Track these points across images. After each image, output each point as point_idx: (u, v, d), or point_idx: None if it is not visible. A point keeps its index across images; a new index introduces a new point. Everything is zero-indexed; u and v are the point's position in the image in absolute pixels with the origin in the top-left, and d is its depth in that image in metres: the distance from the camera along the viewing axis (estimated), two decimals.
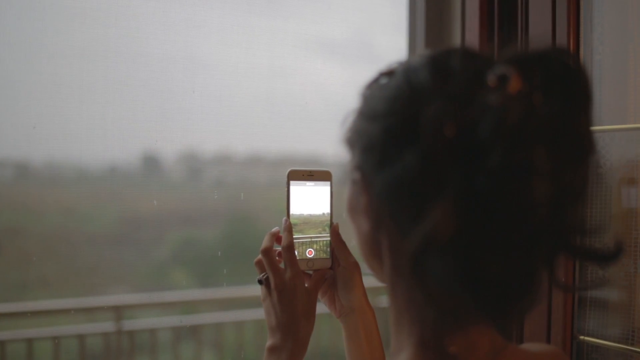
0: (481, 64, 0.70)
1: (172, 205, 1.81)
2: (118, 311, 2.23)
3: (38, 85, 1.47)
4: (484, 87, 0.65)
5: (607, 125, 1.45)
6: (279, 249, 1.12)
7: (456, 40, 1.77)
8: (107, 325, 2.22)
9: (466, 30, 1.71)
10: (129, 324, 2.26)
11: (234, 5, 1.71)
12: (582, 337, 1.47)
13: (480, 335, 0.74)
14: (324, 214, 1.17)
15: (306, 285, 1.12)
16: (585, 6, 1.46)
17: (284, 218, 1.14)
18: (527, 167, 0.62)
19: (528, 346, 0.84)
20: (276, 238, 1.14)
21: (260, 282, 1.12)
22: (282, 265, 1.11)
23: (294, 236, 1.12)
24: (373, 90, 0.76)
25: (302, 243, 1.14)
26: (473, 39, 1.67)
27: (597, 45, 1.46)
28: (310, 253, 1.15)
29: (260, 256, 1.11)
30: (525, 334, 1.54)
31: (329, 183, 1.19)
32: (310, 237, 1.15)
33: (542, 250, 0.66)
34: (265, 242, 1.12)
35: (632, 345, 1.39)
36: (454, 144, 0.63)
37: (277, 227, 1.15)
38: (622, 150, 1.43)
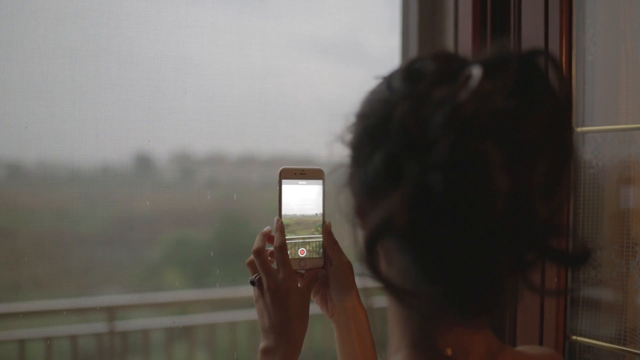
0: (453, 66, 0.70)
1: (164, 206, 1.80)
2: (110, 312, 2.22)
3: (29, 85, 1.46)
4: (448, 87, 0.66)
5: (599, 125, 1.45)
6: (271, 248, 1.11)
7: (449, 41, 1.77)
8: (100, 326, 2.22)
9: (459, 30, 1.71)
10: (121, 325, 2.25)
11: (226, 5, 1.71)
12: (574, 337, 1.47)
13: (472, 337, 0.74)
14: (316, 214, 1.16)
15: (299, 285, 1.11)
16: (578, 7, 1.46)
17: (276, 218, 1.13)
18: (475, 161, 0.62)
19: (525, 349, 0.84)
20: (268, 238, 1.13)
21: (252, 283, 1.11)
22: (274, 266, 1.10)
23: (286, 237, 1.11)
24: (367, 93, 0.77)
25: (295, 244, 1.13)
26: (466, 38, 1.67)
27: (589, 46, 1.46)
28: (302, 252, 1.14)
29: (252, 257, 1.11)
30: (518, 334, 1.54)
31: (321, 182, 1.18)
32: (303, 238, 1.15)
33: (504, 248, 0.65)
34: (257, 243, 1.11)
35: (624, 345, 1.39)
36: (412, 140, 0.65)
37: (268, 227, 1.14)
38: (614, 150, 1.43)
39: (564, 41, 1.45)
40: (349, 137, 0.76)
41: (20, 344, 2.07)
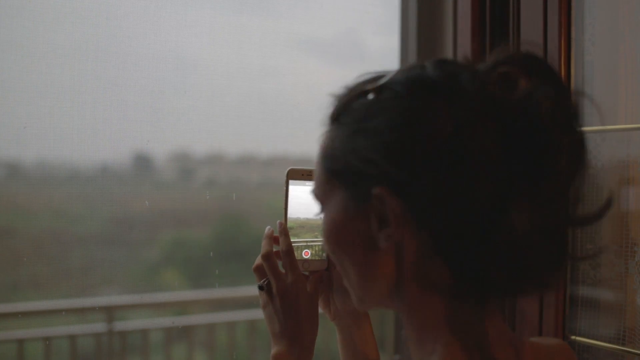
0: (475, 67, 0.77)
1: (163, 206, 1.80)
2: (109, 312, 2.22)
3: (28, 85, 1.46)
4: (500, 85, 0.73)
5: (598, 125, 1.45)
6: (276, 249, 1.10)
7: (448, 41, 1.77)
8: (99, 326, 2.22)
9: (458, 30, 1.71)
10: (120, 325, 2.25)
11: (225, 5, 1.71)
12: (573, 337, 1.47)
13: (502, 328, 0.79)
14: (321, 217, 1.15)
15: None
16: (577, 7, 1.46)
17: (279, 222, 1.11)
18: (559, 150, 0.72)
19: (538, 340, 0.88)
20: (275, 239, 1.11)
21: (261, 288, 1.08)
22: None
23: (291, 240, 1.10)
24: (366, 106, 0.78)
25: (298, 247, 1.12)
26: (465, 38, 1.67)
27: (588, 46, 1.46)
28: (306, 254, 1.13)
29: (259, 261, 1.08)
30: (517, 334, 1.54)
31: None
32: (306, 242, 1.13)
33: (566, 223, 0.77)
34: (265, 247, 1.09)
35: (623, 345, 1.39)
36: (491, 142, 0.70)
37: (270, 228, 1.12)
38: (614, 150, 1.43)
39: (562, 41, 1.45)
40: (377, 153, 0.75)
41: (20, 344, 2.07)
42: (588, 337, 1.45)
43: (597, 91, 1.46)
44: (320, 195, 0.84)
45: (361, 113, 0.78)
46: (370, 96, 0.78)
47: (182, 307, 2.49)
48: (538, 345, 0.86)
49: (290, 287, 1.06)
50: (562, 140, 0.72)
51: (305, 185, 1.13)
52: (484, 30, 1.64)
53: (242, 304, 3.01)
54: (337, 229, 0.81)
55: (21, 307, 1.90)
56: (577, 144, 0.73)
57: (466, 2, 1.66)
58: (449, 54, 1.77)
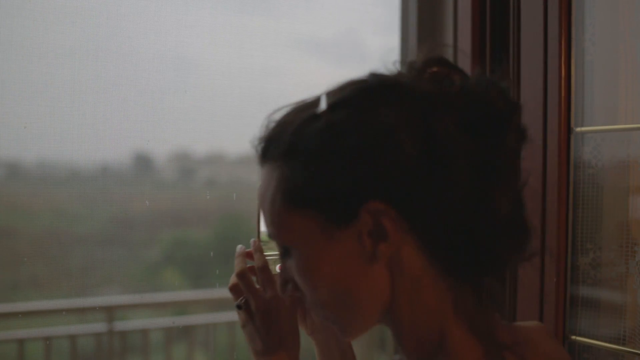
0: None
1: (164, 206, 1.80)
2: (110, 312, 2.22)
3: (29, 85, 1.46)
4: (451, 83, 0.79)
5: (599, 125, 1.45)
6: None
7: (448, 40, 1.77)
8: (99, 326, 2.22)
9: (458, 29, 1.71)
10: (120, 325, 2.26)
11: (225, 4, 1.71)
12: (573, 337, 1.47)
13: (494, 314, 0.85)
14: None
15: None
16: (577, 7, 1.46)
17: (252, 240, 1.08)
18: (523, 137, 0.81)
19: (516, 324, 0.96)
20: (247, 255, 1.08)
21: (239, 307, 1.04)
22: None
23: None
24: (323, 133, 0.76)
25: (271, 261, 1.07)
26: (465, 38, 1.67)
27: (588, 46, 1.46)
28: (279, 268, 1.10)
29: (234, 280, 1.05)
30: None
31: None
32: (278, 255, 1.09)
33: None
34: (239, 265, 1.06)
35: (623, 345, 1.39)
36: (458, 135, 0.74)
37: (242, 246, 1.09)
38: (614, 150, 1.43)
39: (563, 41, 1.45)
40: (366, 176, 0.75)
41: (20, 344, 2.07)
42: (588, 337, 1.45)
43: (597, 91, 1.46)
44: (284, 234, 0.81)
45: (319, 139, 0.76)
46: (318, 122, 0.76)
47: (182, 307, 2.49)
48: (517, 327, 0.93)
49: (269, 303, 1.02)
50: (512, 117, 0.78)
51: None
52: (484, 30, 1.64)
53: None
54: (317, 262, 0.79)
55: (21, 307, 1.90)
56: (519, 118, 0.80)
57: (466, 2, 1.66)
58: (449, 53, 1.77)
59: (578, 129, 1.46)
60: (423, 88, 0.76)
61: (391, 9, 1.88)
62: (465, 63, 1.67)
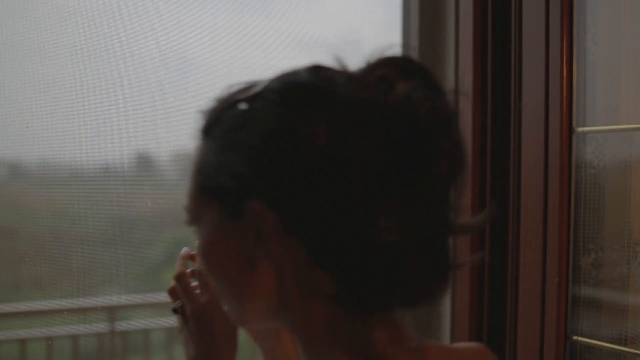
0: (353, 71, 0.75)
1: (165, 206, 1.80)
2: (111, 312, 2.22)
3: (30, 85, 1.46)
4: (378, 88, 0.71)
5: (601, 125, 1.45)
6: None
7: (449, 40, 1.77)
8: (101, 326, 2.22)
9: (460, 29, 1.71)
10: (122, 325, 2.26)
11: (226, 5, 1.71)
12: (575, 337, 1.47)
13: (395, 335, 0.76)
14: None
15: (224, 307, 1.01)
16: (579, 7, 1.46)
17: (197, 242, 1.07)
18: (441, 154, 0.70)
19: (454, 345, 0.87)
20: (190, 258, 1.05)
21: (175, 311, 1.01)
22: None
23: None
24: (237, 117, 0.74)
25: None
26: (466, 39, 1.67)
27: (590, 46, 1.46)
28: None
29: (173, 283, 1.03)
30: (519, 334, 1.54)
31: None
32: None
33: (450, 230, 0.73)
34: (178, 267, 1.03)
35: (625, 345, 1.39)
36: (370, 148, 0.67)
37: (186, 248, 1.05)
38: (615, 150, 1.43)
39: (564, 41, 1.45)
40: (249, 167, 0.71)
41: (21, 344, 2.08)
42: (590, 338, 1.45)
43: (599, 91, 1.46)
44: (193, 213, 0.79)
45: (231, 125, 0.74)
46: (243, 106, 0.74)
47: None
48: (449, 350, 0.84)
49: (204, 307, 0.99)
50: (441, 143, 0.69)
51: None
52: (485, 30, 1.64)
53: None
54: (211, 249, 0.76)
55: (23, 307, 1.90)
56: (455, 148, 0.71)
57: (468, 2, 1.66)
58: (450, 53, 1.77)
59: (580, 129, 1.46)
60: (349, 93, 0.70)
61: (392, 9, 1.88)
62: (466, 63, 1.67)
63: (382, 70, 0.72)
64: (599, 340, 1.44)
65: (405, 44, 1.86)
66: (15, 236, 1.71)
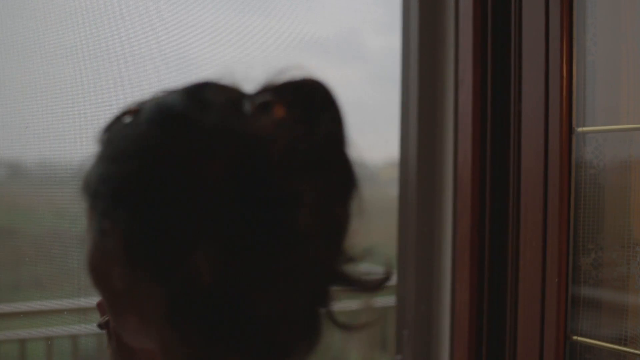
0: (236, 95, 0.67)
1: None
2: None
3: (30, 85, 1.46)
4: (242, 118, 0.63)
5: (600, 125, 1.45)
6: None
7: (450, 40, 1.77)
8: None
9: (460, 30, 1.71)
10: None
11: (227, 4, 1.71)
12: (575, 337, 1.47)
13: None
14: None
15: None
16: (578, 7, 1.46)
17: None
18: (294, 200, 0.60)
19: None
20: None
21: (99, 326, 0.95)
22: None
23: None
24: (116, 130, 0.70)
25: None
26: (466, 38, 1.67)
27: (590, 46, 1.46)
28: None
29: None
30: (519, 334, 1.54)
31: None
32: None
33: (312, 287, 0.63)
34: None
35: (625, 345, 1.39)
36: (213, 182, 0.60)
37: None
38: (615, 151, 1.43)
39: (564, 41, 1.45)
40: (105, 183, 0.67)
41: (21, 344, 2.07)
42: (590, 338, 1.45)
43: (599, 91, 1.46)
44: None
45: (101, 141, 0.71)
46: (121, 121, 0.70)
47: None
48: None
49: None
50: (300, 188, 0.60)
51: None
52: (485, 30, 1.64)
53: None
54: (90, 262, 0.73)
55: (23, 307, 1.90)
56: (320, 197, 0.61)
57: (468, 2, 1.66)
58: (450, 54, 1.77)
59: (579, 129, 1.46)
60: (209, 121, 0.63)
61: (392, 9, 1.88)
62: (466, 63, 1.67)
63: (269, 95, 0.65)
64: (598, 340, 1.44)
65: (405, 44, 1.86)
66: (14, 236, 1.71)
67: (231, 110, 0.64)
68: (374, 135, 2.01)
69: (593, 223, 1.45)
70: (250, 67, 0.70)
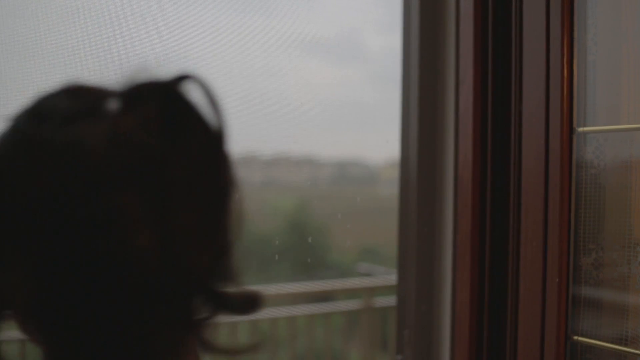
0: (85, 102, 0.63)
1: None
2: None
3: (30, 85, 1.46)
4: (76, 129, 0.58)
5: (601, 125, 1.45)
6: None
7: (450, 40, 1.77)
8: None
9: (460, 30, 1.71)
10: None
11: (227, 5, 1.71)
12: (576, 337, 1.47)
13: None
14: None
15: None
16: (579, 6, 1.46)
17: None
18: (114, 218, 0.54)
19: None
20: None
21: None
22: None
23: None
24: None
25: None
26: (467, 38, 1.67)
27: (590, 46, 1.46)
28: None
29: None
30: (519, 334, 1.54)
31: None
32: None
33: (160, 310, 0.57)
34: None
35: (625, 345, 1.39)
36: (35, 198, 0.56)
37: None
38: (616, 151, 1.43)
39: (565, 41, 1.45)
40: None
41: (22, 344, 2.07)
42: (591, 338, 1.45)
43: (600, 91, 1.46)
44: None
45: None
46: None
47: None
48: None
49: None
50: (122, 201, 0.54)
51: None
52: (486, 30, 1.64)
53: None
54: None
55: None
56: (157, 207, 0.56)
57: (469, 2, 1.66)
58: (450, 54, 1.77)
59: (580, 129, 1.46)
60: (42, 129, 0.59)
61: (393, 8, 1.88)
62: (466, 63, 1.67)
63: (107, 102, 0.61)
64: (599, 340, 1.44)
65: (406, 43, 1.86)
66: None
67: (59, 122, 0.59)
68: (374, 135, 2.01)
69: (594, 223, 1.45)
70: (158, 64, 0.64)
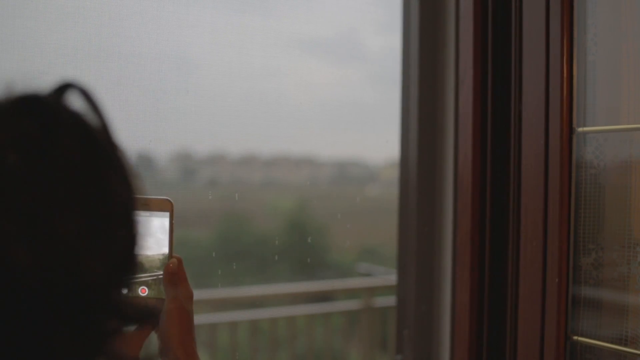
0: None
1: None
2: None
3: (30, 86, 1.46)
4: None
5: (601, 125, 1.45)
6: None
7: (450, 40, 1.77)
8: None
9: (460, 30, 1.71)
10: None
11: (226, 5, 1.71)
12: (575, 337, 1.47)
13: None
14: (160, 254, 1.01)
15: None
16: (579, 7, 1.46)
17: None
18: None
19: None
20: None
21: None
22: None
23: None
24: None
25: (136, 282, 0.99)
26: (467, 38, 1.67)
27: (590, 46, 1.46)
28: (143, 291, 1.00)
29: None
30: (519, 334, 1.54)
31: (168, 214, 1.07)
32: (148, 275, 1.00)
33: (50, 328, 0.54)
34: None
35: (625, 345, 1.39)
36: None
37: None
38: (616, 151, 1.43)
39: (565, 41, 1.45)
40: None
41: None
42: (590, 338, 1.45)
43: (599, 91, 1.46)
44: None
45: None
46: None
47: None
48: None
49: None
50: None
51: (140, 216, 0.98)
52: (486, 30, 1.64)
53: (244, 304, 3.01)
54: None
55: None
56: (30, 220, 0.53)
57: (468, 2, 1.66)
58: (450, 53, 1.77)
59: (580, 129, 1.46)
60: None
61: (392, 8, 1.88)
62: (466, 63, 1.67)
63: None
64: (599, 340, 1.44)
65: (406, 44, 1.86)
66: None
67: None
68: (374, 135, 2.01)
69: (593, 223, 1.45)
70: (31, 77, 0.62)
